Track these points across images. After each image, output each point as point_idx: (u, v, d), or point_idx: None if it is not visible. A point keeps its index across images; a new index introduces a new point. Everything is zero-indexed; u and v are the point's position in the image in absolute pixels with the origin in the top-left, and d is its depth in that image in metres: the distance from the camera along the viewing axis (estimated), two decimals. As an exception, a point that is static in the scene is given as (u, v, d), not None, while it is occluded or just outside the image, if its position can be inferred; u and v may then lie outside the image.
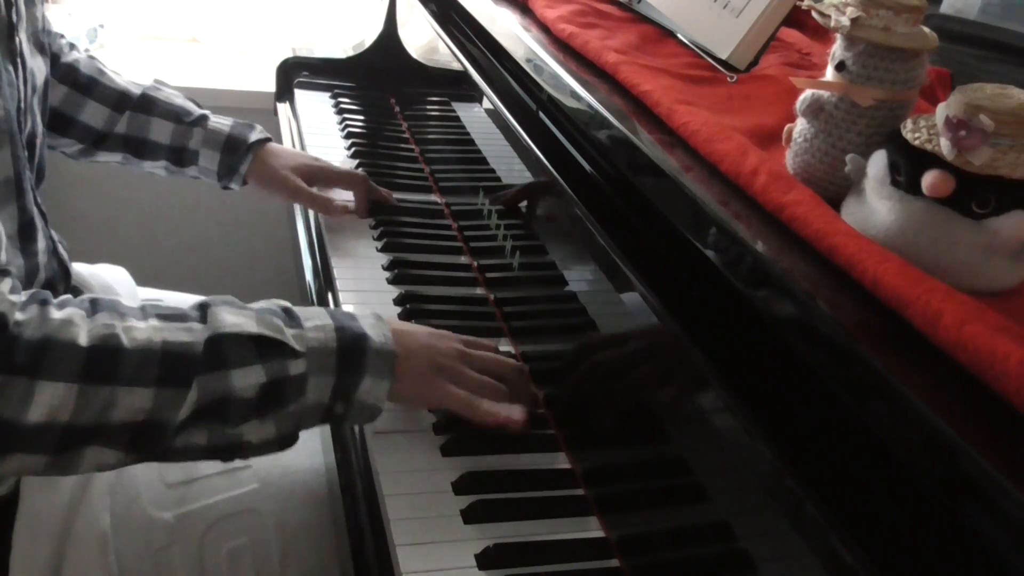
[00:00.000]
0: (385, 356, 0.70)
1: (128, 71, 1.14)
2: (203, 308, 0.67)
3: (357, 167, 1.24)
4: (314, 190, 1.11)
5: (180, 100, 1.11)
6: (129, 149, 1.09)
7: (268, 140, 1.11)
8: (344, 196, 1.13)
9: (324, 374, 0.67)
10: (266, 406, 0.65)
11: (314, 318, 0.70)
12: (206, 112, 1.11)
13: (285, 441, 0.68)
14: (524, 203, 0.94)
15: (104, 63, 1.11)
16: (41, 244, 0.82)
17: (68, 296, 0.66)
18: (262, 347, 0.65)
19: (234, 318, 0.66)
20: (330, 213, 1.09)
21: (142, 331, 0.63)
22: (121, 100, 1.08)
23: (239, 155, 1.08)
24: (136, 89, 1.09)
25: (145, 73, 1.15)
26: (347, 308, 0.94)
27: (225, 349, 0.64)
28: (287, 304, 0.71)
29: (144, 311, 0.66)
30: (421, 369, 0.73)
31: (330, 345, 0.68)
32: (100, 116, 1.07)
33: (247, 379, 0.64)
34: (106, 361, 0.61)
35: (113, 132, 1.08)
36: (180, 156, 1.09)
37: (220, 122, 1.10)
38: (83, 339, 0.61)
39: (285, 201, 1.14)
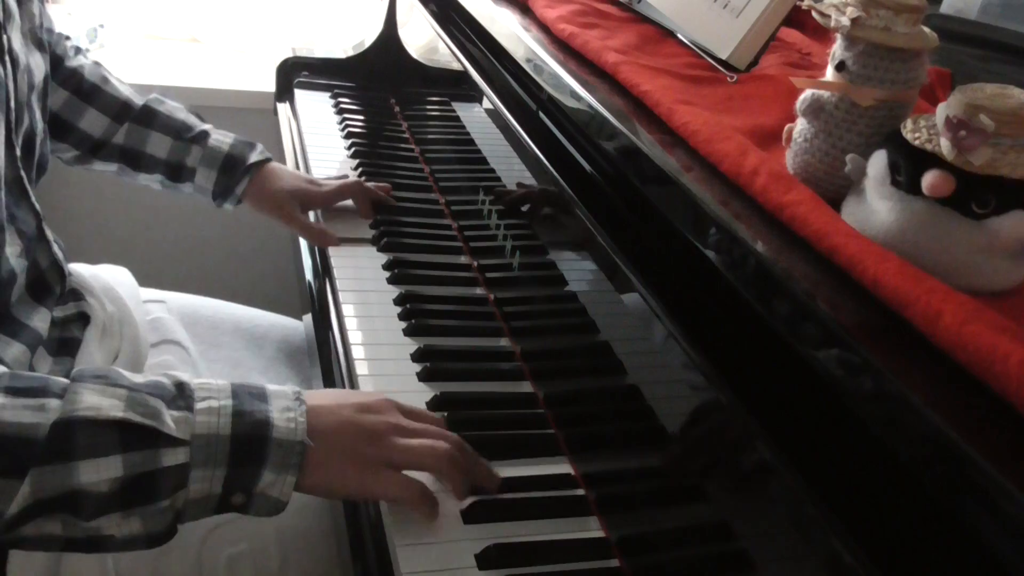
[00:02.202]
0: (290, 448, 0.61)
1: (128, 71, 1.13)
2: (69, 382, 0.59)
3: (357, 167, 1.24)
4: (311, 216, 1.10)
5: (182, 115, 1.09)
6: (125, 160, 1.08)
7: (268, 160, 1.09)
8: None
9: (212, 465, 0.59)
10: (130, 500, 0.57)
11: (212, 397, 0.61)
12: (207, 128, 1.09)
13: (157, 538, 0.60)
14: (527, 206, 0.94)
15: (109, 71, 1.10)
16: (15, 248, 0.79)
17: None
18: (126, 435, 0.57)
19: (96, 398, 0.58)
20: (324, 244, 1.06)
21: None
22: (122, 110, 1.07)
23: (236, 176, 1.06)
24: (138, 100, 1.08)
25: (146, 73, 1.14)
26: (347, 307, 0.94)
27: (74, 436, 0.56)
28: (184, 379, 0.63)
29: None
30: (343, 456, 0.64)
31: (222, 432, 0.60)
32: (99, 125, 1.06)
33: (98, 473, 0.56)
34: None
35: (111, 142, 1.07)
36: (177, 172, 1.08)
37: (220, 140, 1.08)
38: None
39: (281, 227, 1.10)
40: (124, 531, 0.58)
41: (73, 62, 1.06)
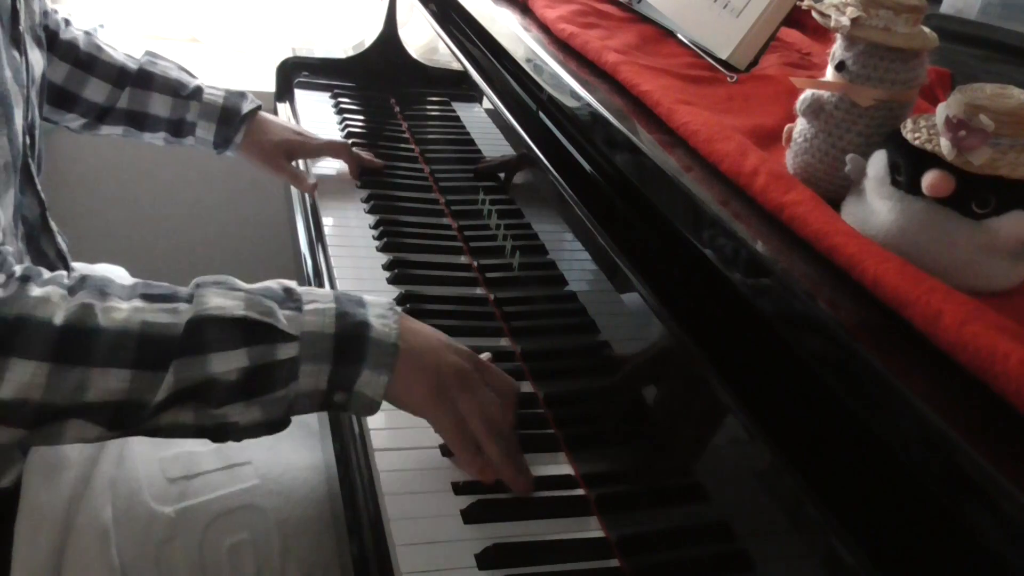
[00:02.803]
0: (385, 349, 0.67)
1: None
2: (193, 288, 0.66)
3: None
4: (296, 165, 1.19)
5: (176, 73, 1.15)
6: (131, 123, 1.14)
7: (259, 108, 1.17)
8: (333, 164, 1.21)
9: (319, 360, 0.66)
10: (251, 390, 0.64)
11: (317, 300, 0.68)
12: (200, 83, 1.16)
13: (275, 425, 0.67)
14: (503, 174, 0.94)
15: (100, 38, 1.14)
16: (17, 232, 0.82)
17: (60, 273, 0.65)
18: (248, 330, 0.64)
19: (220, 299, 0.65)
20: (301, 188, 1.17)
21: (122, 312, 0.62)
22: (121, 76, 1.12)
23: (233, 125, 1.14)
24: (133, 64, 1.13)
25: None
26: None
27: (205, 332, 0.63)
28: (291, 284, 0.69)
29: (134, 289, 0.65)
30: (423, 373, 0.69)
31: (327, 331, 0.66)
32: (102, 92, 1.11)
33: (228, 363, 0.63)
34: (80, 341, 0.60)
35: (115, 107, 1.12)
36: (179, 128, 1.15)
37: (214, 93, 1.15)
38: (58, 318, 0.60)
39: (270, 174, 1.20)
40: (247, 418, 0.65)
41: (66, 35, 1.10)
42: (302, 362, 0.65)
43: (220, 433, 0.66)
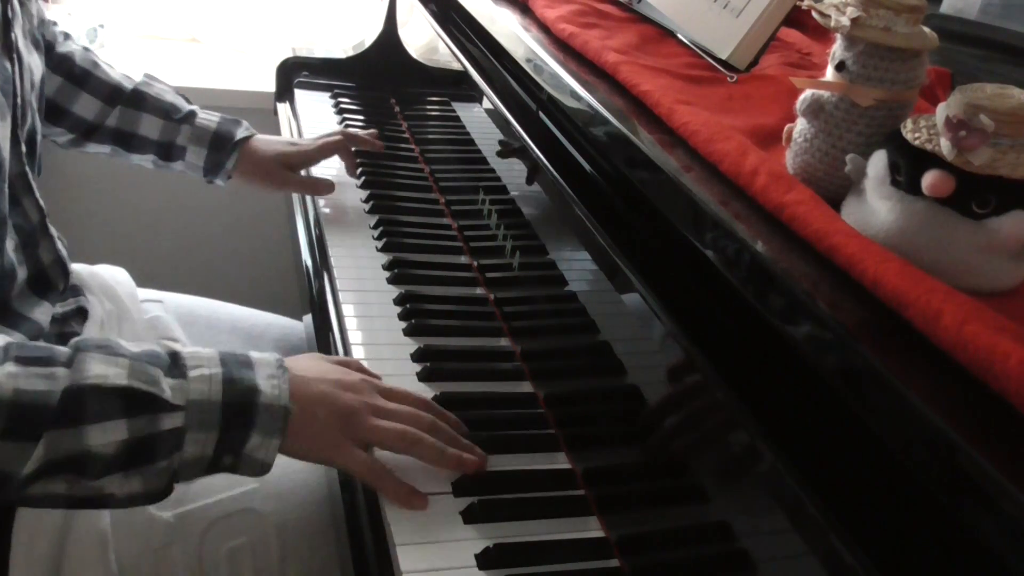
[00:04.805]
0: (276, 412, 0.65)
1: (128, 71, 1.14)
2: (73, 352, 0.62)
3: (358, 167, 1.24)
4: (301, 175, 1.15)
5: (170, 96, 1.13)
6: (118, 142, 1.11)
7: (253, 136, 1.13)
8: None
9: (205, 429, 0.63)
10: (131, 462, 0.61)
11: (203, 365, 0.65)
12: (194, 108, 1.13)
13: (154, 496, 0.64)
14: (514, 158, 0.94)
15: (98, 56, 1.12)
16: (10, 243, 0.81)
17: None
18: (129, 401, 0.61)
19: (101, 368, 0.61)
20: (320, 193, 1.14)
21: None
22: (113, 94, 1.09)
23: (225, 151, 1.10)
24: (128, 83, 1.11)
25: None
26: (347, 307, 0.94)
27: (83, 402, 0.59)
28: (176, 348, 0.66)
29: (6, 351, 0.61)
30: (319, 425, 0.68)
31: (214, 399, 0.63)
32: (92, 108, 1.08)
33: (106, 436, 0.60)
34: None
35: (104, 125, 1.10)
36: (168, 151, 1.11)
37: (207, 118, 1.12)
38: None
39: (273, 193, 1.17)
40: (125, 490, 0.62)
41: (63, 48, 1.08)
42: (188, 431, 0.62)
43: (94, 504, 0.63)
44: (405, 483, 0.69)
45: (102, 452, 0.60)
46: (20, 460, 0.58)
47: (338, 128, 1.28)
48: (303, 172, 1.17)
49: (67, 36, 1.10)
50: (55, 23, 1.10)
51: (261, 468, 0.66)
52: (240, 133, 1.11)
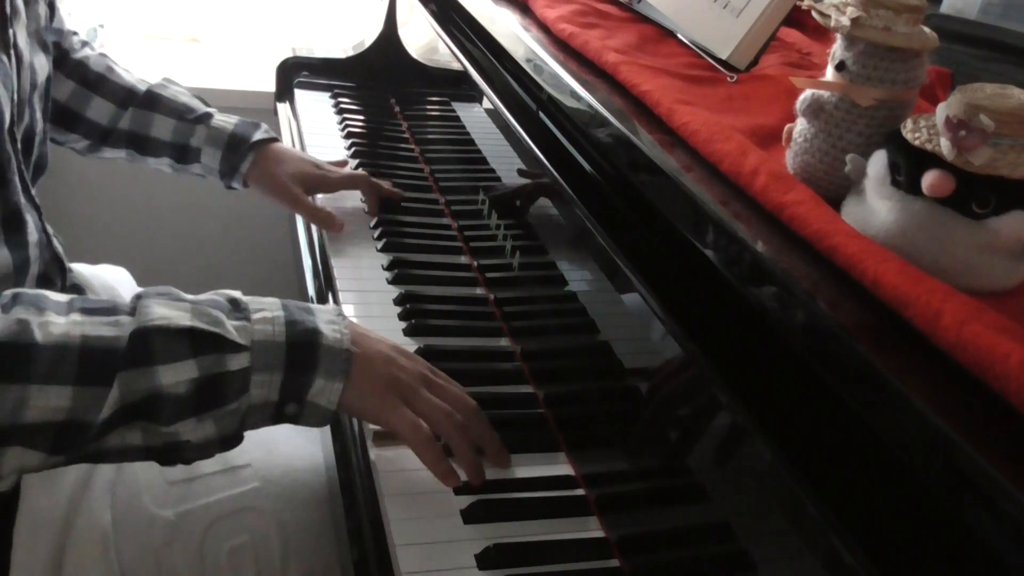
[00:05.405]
0: (338, 354, 0.66)
1: (131, 72, 1.14)
2: (135, 300, 0.64)
3: (357, 167, 1.24)
4: (317, 199, 1.10)
5: (185, 98, 1.11)
6: (133, 145, 1.10)
7: (273, 140, 1.10)
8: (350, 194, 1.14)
9: (270, 370, 0.64)
10: (202, 404, 0.61)
11: (265, 309, 0.66)
12: (211, 110, 1.10)
13: (228, 441, 0.64)
14: (519, 202, 0.94)
15: (115, 60, 1.12)
16: (33, 237, 0.82)
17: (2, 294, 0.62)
18: (196, 341, 0.61)
19: (165, 310, 0.62)
20: (331, 229, 1.07)
21: (59, 326, 0.59)
22: (127, 97, 1.09)
23: (241, 153, 1.07)
24: (142, 86, 1.10)
25: (145, 73, 1.15)
26: (347, 307, 0.94)
27: (151, 343, 0.60)
28: (236, 295, 0.67)
29: (70, 304, 0.62)
30: (376, 378, 0.68)
31: (278, 339, 0.64)
32: (105, 112, 1.08)
33: (177, 375, 0.60)
34: (15, 358, 0.57)
35: (117, 128, 1.09)
36: (183, 153, 1.09)
37: (224, 120, 1.09)
38: None
39: (285, 209, 1.11)
40: (199, 434, 0.62)
41: (79, 54, 1.08)
42: (254, 371, 0.63)
43: (170, 453, 0.63)
44: (445, 464, 0.69)
45: (174, 392, 0.60)
46: (96, 406, 0.59)
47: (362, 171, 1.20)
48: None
49: (85, 44, 1.10)
50: (75, 33, 1.10)
51: (323, 417, 0.67)
52: (257, 136, 1.08)
